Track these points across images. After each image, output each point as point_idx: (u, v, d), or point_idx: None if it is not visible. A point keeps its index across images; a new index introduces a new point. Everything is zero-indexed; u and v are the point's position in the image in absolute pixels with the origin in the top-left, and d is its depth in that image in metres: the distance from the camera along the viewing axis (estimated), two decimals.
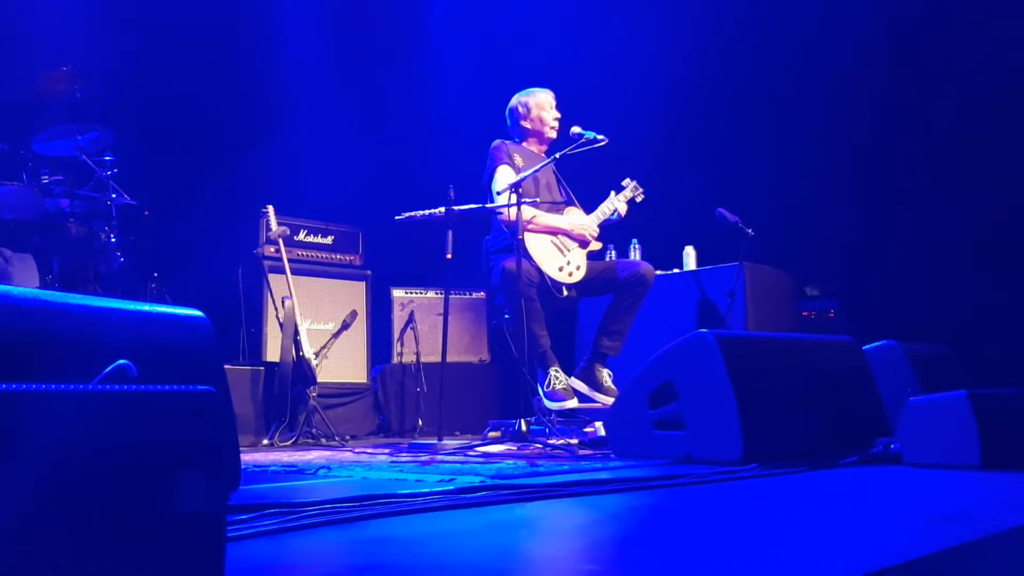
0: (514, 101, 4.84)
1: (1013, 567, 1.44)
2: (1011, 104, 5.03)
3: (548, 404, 4.29)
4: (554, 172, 4.77)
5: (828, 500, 2.07)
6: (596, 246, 4.63)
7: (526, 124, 4.78)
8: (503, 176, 4.48)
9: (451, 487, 2.16)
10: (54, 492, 0.87)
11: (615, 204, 4.65)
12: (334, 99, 6.96)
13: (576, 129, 4.48)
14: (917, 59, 5.37)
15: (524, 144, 4.78)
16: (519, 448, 3.74)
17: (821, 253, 5.62)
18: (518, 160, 4.58)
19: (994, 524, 1.50)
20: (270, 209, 5.15)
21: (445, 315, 4.57)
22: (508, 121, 4.87)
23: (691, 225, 5.67)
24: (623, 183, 4.73)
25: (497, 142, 4.69)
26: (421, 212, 4.33)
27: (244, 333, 5.42)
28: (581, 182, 4.87)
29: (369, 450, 4.07)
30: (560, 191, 4.77)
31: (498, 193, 4.41)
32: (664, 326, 5.04)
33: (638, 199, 4.71)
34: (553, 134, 4.78)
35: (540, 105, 4.77)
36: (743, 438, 2.81)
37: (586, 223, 4.57)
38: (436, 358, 5.53)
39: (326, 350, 5.15)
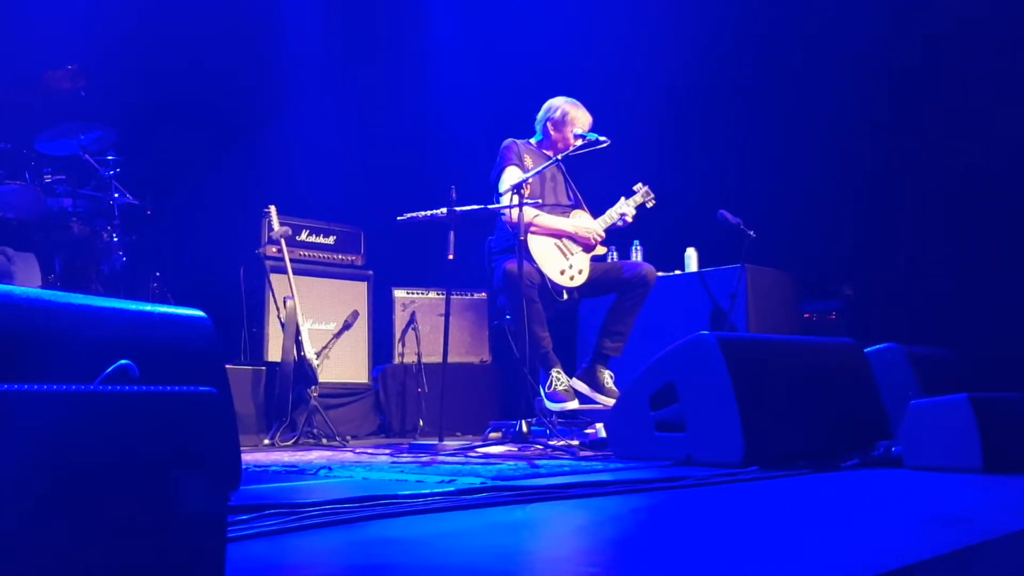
0: (559, 101, 4.69)
1: (1015, 570, 1.43)
2: (1015, 107, 5.02)
3: (549, 405, 4.29)
4: (563, 174, 4.75)
5: (829, 503, 2.07)
6: (601, 250, 4.62)
7: (552, 130, 4.65)
8: (510, 176, 4.45)
9: (452, 488, 2.16)
10: (55, 492, 0.87)
11: (624, 209, 4.62)
12: (336, 99, 6.96)
13: (577, 130, 4.48)
14: (921, 62, 5.36)
15: (539, 146, 4.74)
16: (520, 449, 3.74)
17: (823, 255, 5.62)
18: (528, 161, 4.55)
19: (996, 528, 1.50)
20: (272, 209, 5.15)
21: (446, 316, 4.58)
22: (541, 113, 4.74)
23: (693, 227, 5.67)
24: (634, 187, 4.68)
25: (508, 141, 4.64)
26: (423, 212, 4.33)
27: (246, 333, 5.42)
28: (589, 185, 4.86)
29: (370, 450, 4.07)
30: (568, 193, 4.75)
31: (503, 193, 4.40)
32: (666, 328, 5.04)
33: (649, 204, 4.66)
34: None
35: (576, 123, 4.60)
36: (744, 440, 2.81)
37: (591, 226, 4.55)
38: (437, 358, 5.52)
39: (327, 350, 5.15)
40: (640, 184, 4.69)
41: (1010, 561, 1.41)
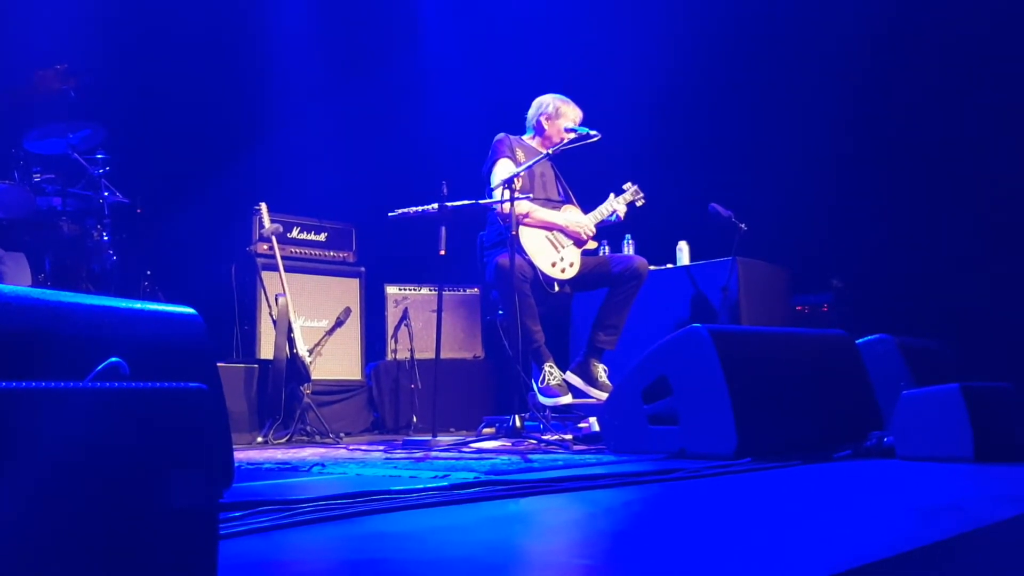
0: (548, 98, 4.73)
1: (1005, 559, 1.44)
2: (1006, 99, 5.04)
3: (542, 400, 4.29)
4: (553, 169, 4.75)
5: (821, 493, 2.08)
6: (592, 245, 4.63)
7: (545, 124, 4.67)
8: (502, 169, 4.45)
9: (445, 483, 2.17)
10: (45, 489, 0.86)
11: (614, 206, 4.64)
12: (327, 96, 6.95)
13: (568, 123, 4.48)
14: (911, 54, 5.38)
15: (530, 140, 4.74)
16: (513, 444, 3.74)
17: (814, 248, 5.63)
18: (520, 155, 4.55)
19: (987, 516, 1.50)
20: (263, 206, 5.14)
21: (439, 311, 4.58)
22: (532, 110, 4.75)
23: (684, 220, 5.67)
24: (624, 186, 4.70)
25: (500, 135, 4.64)
26: (414, 208, 4.33)
27: (238, 331, 5.41)
28: (579, 181, 4.86)
29: (363, 447, 4.07)
30: (558, 189, 4.75)
31: (495, 187, 4.39)
32: (658, 321, 5.04)
33: (638, 203, 4.69)
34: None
35: (567, 117, 4.65)
36: (737, 432, 2.82)
37: (583, 221, 4.56)
38: (430, 354, 5.53)
39: (320, 347, 5.14)
40: (629, 183, 4.71)
41: (1001, 549, 1.42)
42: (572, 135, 4.55)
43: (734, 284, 5.10)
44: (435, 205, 4.26)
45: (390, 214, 4.38)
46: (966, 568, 1.33)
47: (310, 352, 4.88)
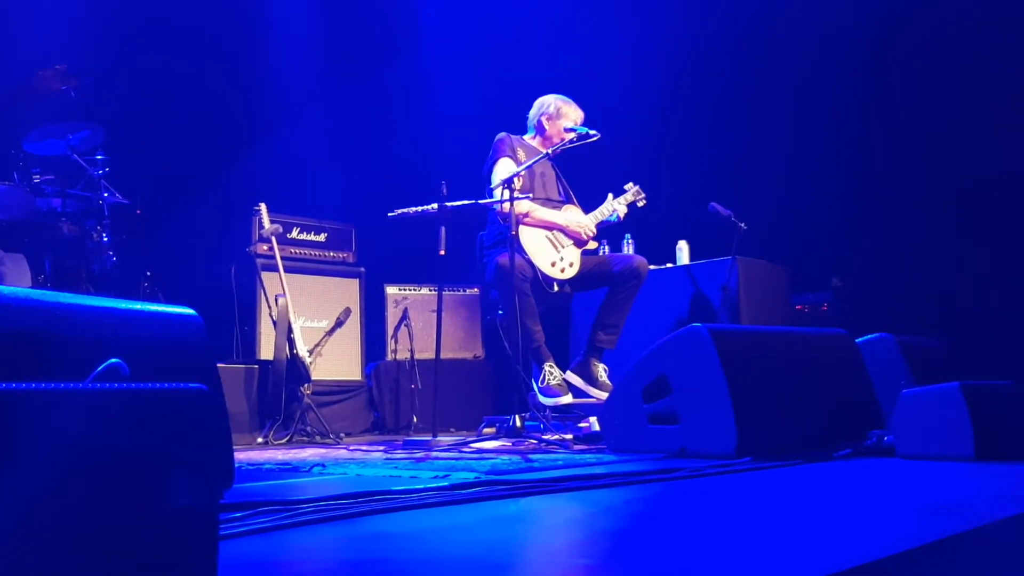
0: (550, 98, 4.73)
1: (1006, 557, 1.44)
2: (1007, 98, 5.04)
3: (542, 400, 4.29)
4: (554, 169, 4.76)
5: (822, 492, 2.08)
6: (592, 246, 4.64)
7: (546, 124, 4.67)
8: (502, 169, 4.45)
9: (446, 483, 2.17)
10: (45, 490, 0.86)
11: (614, 206, 4.65)
12: (327, 97, 6.95)
13: (568, 124, 4.49)
14: (911, 54, 5.37)
15: (531, 140, 4.74)
16: (514, 444, 3.74)
17: (814, 247, 5.63)
18: (521, 155, 4.56)
19: (988, 515, 1.50)
20: (263, 207, 5.14)
21: (439, 311, 4.58)
22: (533, 110, 4.76)
23: (684, 219, 5.67)
24: (625, 186, 4.71)
25: (502, 135, 4.64)
26: (414, 208, 4.33)
27: (238, 331, 5.40)
28: (579, 181, 4.86)
29: (364, 447, 4.07)
30: (558, 189, 4.75)
31: (495, 186, 4.39)
32: (658, 321, 5.04)
33: (639, 203, 4.70)
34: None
35: (568, 117, 4.65)
36: (737, 431, 2.81)
37: (583, 221, 4.56)
38: (430, 355, 5.53)
39: (320, 348, 5.14)
40: (631, 184, 4.72)
41: (1001, 548, 1.42)
42: (572, 135, 4.55)
43: (734, 283, 5.10)
44: (435, 205, 4.27)
45: (390, 214, 4.37)
46: (966, 567, 1.33)
47: (310, 352, 4.88)
